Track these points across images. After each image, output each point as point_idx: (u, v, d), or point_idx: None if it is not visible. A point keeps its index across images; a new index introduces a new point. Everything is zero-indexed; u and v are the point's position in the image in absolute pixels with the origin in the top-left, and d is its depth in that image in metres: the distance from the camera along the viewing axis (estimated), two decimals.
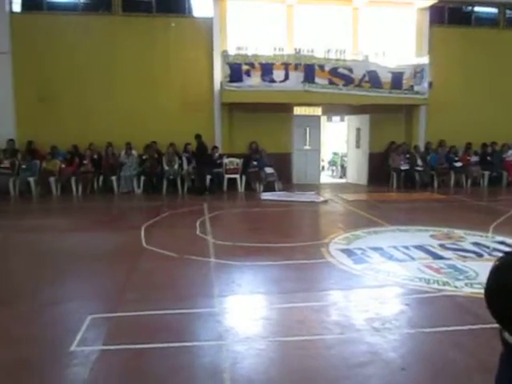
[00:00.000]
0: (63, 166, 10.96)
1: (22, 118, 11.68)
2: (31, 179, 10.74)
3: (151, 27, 11.93)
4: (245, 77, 11.64)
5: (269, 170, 11.40)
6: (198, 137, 10.99)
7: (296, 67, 11.65)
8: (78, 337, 3.29)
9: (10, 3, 11.59)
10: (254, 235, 6.71)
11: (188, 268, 5.07)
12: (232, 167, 11.60)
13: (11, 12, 11.61)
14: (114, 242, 6.44)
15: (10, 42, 11.51)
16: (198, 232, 6.78)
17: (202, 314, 3.80)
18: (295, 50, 11.83)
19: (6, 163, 10.89)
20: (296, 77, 11.67)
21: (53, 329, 3.53)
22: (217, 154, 11.58)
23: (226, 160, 11.61)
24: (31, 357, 3.09)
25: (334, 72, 11.72)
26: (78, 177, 10.82)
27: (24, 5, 11.83)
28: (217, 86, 12.03)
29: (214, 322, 3.61)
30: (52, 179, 10.77)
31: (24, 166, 10.90)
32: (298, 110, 12.82)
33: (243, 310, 3.99)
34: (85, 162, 11.01)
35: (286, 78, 11.68)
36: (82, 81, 11.72)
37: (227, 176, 11.42)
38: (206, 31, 12.04)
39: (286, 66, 11.65)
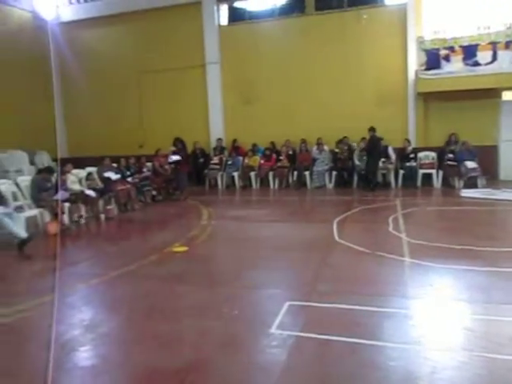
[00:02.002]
0: (262, 161, 11.93)
1: (228, 119, 13.14)
2: (235, 174, 12.02)
3: (343, 22, 11.97)
4: (443, 63, 10.75)
5: (471, 164, 10.26)
6: (371, 130, 10.58)
7: (507, 45, 10.21)
8: (277, 320, 3.56)
9: (219, 17, 13.09)
10: (453, 236, 6.16)
11: (380, 265, 4.97)
12: (427, 161, 10.86)
13: (219, 25, 13.11)
14: (307, 233, 6.73)
15: (219, 53, 13.03)
16: (390, 229, 6.58)
17: (394, 314, 3.68)
18: (506, 25, 10.36)
19: (216, 159, 12.42)
20: (507, 56, 10.23)
21: (254, 310, 3.90)
22: (410, 148, 10.99)
23: (420, 154, 10.92)
24: (237, 333, 3.48)
25: None
26: (274, 172, 11.63)
27: (230, 17, 13.23)
28: (411, 75, 11.39)
29: (409, 325, 3.46)
30: (252, 174, 11.84)
31: (229, 162, 12.25)
32: (507, 95, 11.18)
33: (442, 316, 3.71)
34: (281, 157, 11.76)
35: (494, 59, 10.36)
36: (280, 82, 12.54)
37: (421, 171, 10.73)
38: (399, 19, 11.50)
39: (493, 45, 10.33)
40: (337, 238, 6.21)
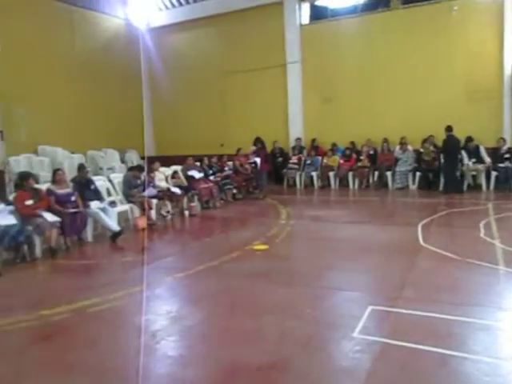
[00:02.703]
0: (342, 161, 11.73)
1: (308, 118, 13.08)
2: (314, 173, 11.94)
3: (432, 15, 11.38)
4: None
5: None
6: (448, 129, 9.86)
7: None
8: (360, 325, 3.48)
9: (300, 16, 13.06)
10: None
11: (471, 273, 4.66)
12: None
13: (300, 24, 13.07)
14: (389, 236, 6.50)
15: (300, 52, 13.00)
16: (482, 234, 6.15)
17: (488, 326, 3.43)
18: None
19: (294, 159, 12.42)
20: None
21: (336, 312, 3.85)
22: (505, 148, 10.19)
23: None
24: (318, 334, 3.45)
25: None
26: (354, 172, 11.38)
27: (311, 16, 13.14)
28: (507, 69, 10.56)
29: (505, 339, 3.22)
30: (331, 174, 11.68)
31: (308, 162, 12.19)
32: None
33: None
34: (361, 157, 11.48)
35: None
36: (361, 80, 12.24)
37: None
38: (495, 8, 10.70)
39: None
40: (422, 242, 5.93)
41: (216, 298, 4.34)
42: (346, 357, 3.07)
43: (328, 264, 5.33)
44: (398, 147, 11.38)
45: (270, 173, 12.14)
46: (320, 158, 12.18)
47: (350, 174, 11.42)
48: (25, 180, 6.20)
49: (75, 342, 3.52)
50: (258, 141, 10.59)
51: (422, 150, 10.94)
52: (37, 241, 5.99)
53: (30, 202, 6.07)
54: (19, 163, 10.74)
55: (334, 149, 12.15)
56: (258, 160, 10.24)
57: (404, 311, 3.76)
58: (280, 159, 12.76)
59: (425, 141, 10.97)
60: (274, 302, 4.12)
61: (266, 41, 13.28)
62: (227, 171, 10.41)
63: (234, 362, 3.09)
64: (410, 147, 11.15)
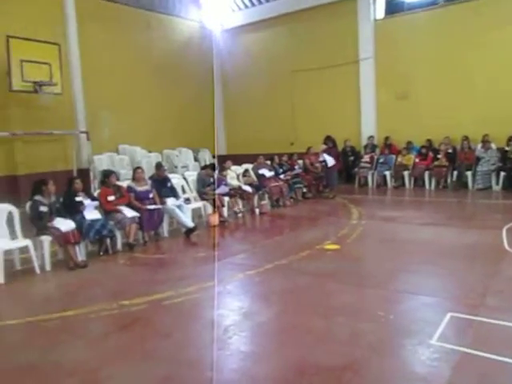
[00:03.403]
0: (417, 160, 11.24)
1: (381, 115, 12.69)
2: (387, 173, 11.56)
3: None
4: None
5: None
6: None
7: None
8: (438, 332, 3.32)
9: (374, 11, 12.68)
10: None
11: None
12: None
13: (375, 19, 12.69)
14: (469, 240, 6.11)
15: (373, 48, 12.64)
16: None
17: None
18: None
19: (367, 158, 12.10)
20: None
21: (411, 317, 3.69)
22: None
23: None
24: (393, 338, 3.34)
25: None
26: (431, 171, 10.86)
27: (387, 10, 12.71)
28: None
29: None
30: (406, 173, 11.24)
31: (381, 160, 11.82)
32: None
33: None
34: (439, 156, 10.92)
35: None
36: (438, 75, 11.66)
37: None
38: None
39: None
40: (507, 247, 5.52)
41: (286, 296, 4.35)
42: (423, 364, 2.94)
43: (402, 267, 5.13)
44: (479, 145, 10.68)
45: (341, 172, 11.92)
46: (394, 156, 11.77)
47: (427, 174, 10.91)
48: (108, 177, 6.62)
49: (151, 332, 3.69)
50: (328, 139, 10.43)
51: (507, 149, 10.18)
52: (118, 235, 6.36)
53: (112, 198, 6.47)
54: (102, 161, 11.49)
55: (408, 147, 11.69)
56: (328, 158, 10.09)
57: (486, 320, 3.53)
58: (351, 158, 12.50)
59: (511, 139, 10.20)
60: (345, 303, 4.05)
61: (337, 38, 13.06)
62: (297, 170, 10.38)
63: (305, 360, 3.07)
64: (493, 145, 10.42)
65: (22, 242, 5.55)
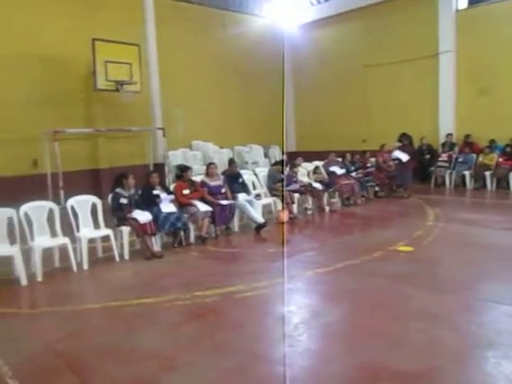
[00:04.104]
0: (500, 160, 10.50)
1: (460, 112, 11.99)
2: (466, 172, 10.91)
3: None
4: None
5: None
6: None
7: None
8: None
9: (457, 1, 11.98)
10: None
11: None
12: None
13: (457, 10, 11.99)
14: None
15: (455, 40, 11.95)
16: None
17: None
18: None
19: (444, 156, 11.50)
20: None
21: (493, 328, 3.45)
22: None
23: None
24: (474, 349, 3.15)
25: None
26: None
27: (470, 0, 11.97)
28: None
29: None
30: (487, 173, 10.53)
31: (460, 160, 11.18)
32: None
33: None
34: None
35: None
36: None
37: None
38: None
39: None
40: None
41: (357, 297, 4.25)
42: (508, 380, 2.73)
43: (483, 273, 4.82)
44: None
45: (416, 170, 11.42)
46: (474, 155, 11.06)
47: (511, 174, 10.15)
48: (184, 172, 6.85)
49: (223, 324, 3.78)
50: (403, 136, 10.02)
51: None
52: (191, 228, 6.58)
53: (186, 192, 6.70)
54: (176, 157, 11.94)
55: (491, 146, 10.93)
56: (402, 156, 9.70)
57: None
58: (427, 156, 11.93)
59: None
60: (422, 308, 3.88)
61: (414, 31, 12.50)
62: (370, 168, 10.09)
63: (377, 364, 2.99)
64: None
65: (104, 231, 5.92)
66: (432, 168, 11.55)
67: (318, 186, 8.56)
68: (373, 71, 13.48)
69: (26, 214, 5.44)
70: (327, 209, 8.62)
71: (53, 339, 3.61)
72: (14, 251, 5.07)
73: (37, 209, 5.61)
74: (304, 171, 8.95)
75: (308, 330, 3.57)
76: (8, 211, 5.29)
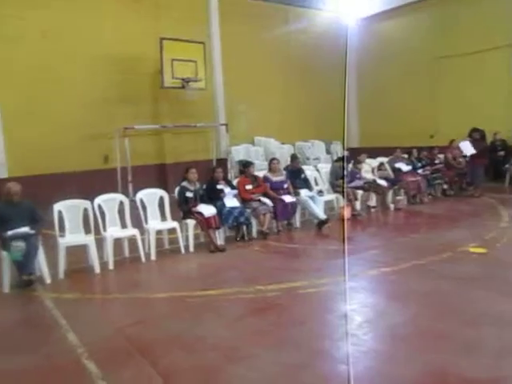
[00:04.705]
0: None
1: None
2: None
3: None
4: None
5: None
6: None
7: None
8: None
9: None
10: None
11: None
12: None
13: None
14: None
15: None
16: None
17: None
18: None
19: None
20: None
21: None
22: None
23: None
24: None
25: None
26: None
27: None
28: None
29: None
30: None
31: None
32: None
33: None
34: None
35: None
36: None
37: None
38: None
39: None
40: None
41: (424, 299, 4.09)
42: None
43: None
44: None
45: (488, 168, 10.76)
46: None
47: None
48: (247, 167, 6.94)
49: (286, 319, 3.79)
50: (474, 131, 9.46)
51: None
52: (254, 223, 6.65)
53: (249, 187, 6.78)
54: (239, 152, 12.11)
55: None
56: (467, 149, 9.13)
57: None
58: (501, 153, 11.19)
59: None
60: (496, 313, 3.66)
61: (487, 20, 11.74)
62: (438, 164, 9.65)
63: (445, 370, 2.86)
64: None
65: (171, 223, 6.13)
66: (506, 166, 10.83)
67: (382, 182, 8.33)
68: (441, 63, 12.86)
69: (99, 206, 5.77)
70: (392, 206, 8.37)
71: (124, 324, 3.81)
72: (89, 240, 5.40)
73: (109, 201, 5.93)
74: (368, 167, 8.73)
75: (372, 329, 3.50)
76: (84, 203, 5.63)
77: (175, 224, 6.07)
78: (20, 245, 4.69)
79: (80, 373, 3.05)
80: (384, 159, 9.40)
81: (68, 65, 10.12)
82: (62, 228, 5.50)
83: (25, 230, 4.84)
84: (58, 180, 9.59)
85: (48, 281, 5.01)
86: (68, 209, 5.56)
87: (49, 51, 9.91)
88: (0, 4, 9.33)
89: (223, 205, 6.31)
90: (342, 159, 8.35)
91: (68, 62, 10.12)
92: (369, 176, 8.48)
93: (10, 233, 4.75)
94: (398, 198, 8.53)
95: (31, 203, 5.15)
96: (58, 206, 5.49)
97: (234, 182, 6.95)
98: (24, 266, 4.74)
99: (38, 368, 3.15)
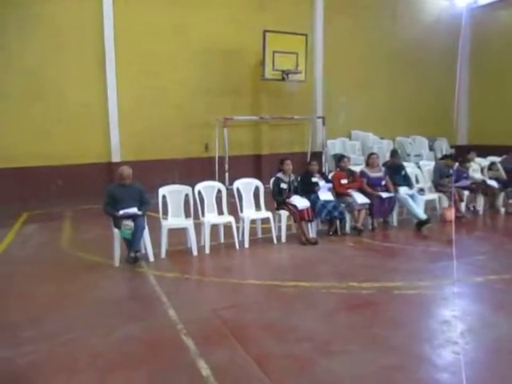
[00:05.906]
0: None
1: None
2: None
3: None
4: None
5: None
6: None
7: None
8: None
9: None
10: None
11: None
12: None
13: None
14: None
15: None
16: None
17: None
18: None
19: None
20: None
21: None
22: None
23: None
24: None
25: None
26: None
27: None
28: None
29: None
30: None
31: None
32: None
33: None
34: None
35: None
36: None
37: None
38: None
39: None
40: None
41: None
42: None
43: None
44: None
45: None
46: None
47: None
48: (343, 161, 6.78)
49: (381, 319, 3.65)
50: None
51: None
52: (347, 218, 6.50)
53: (344, 182, 6.63)
54: (335, 146, 11.92)
55: None
56: None
57: None
58: None
59: None
60: None
61: None
62: None
63: None
64: None
65: (265, 213, 6.22)
66: None
67: (493, 183, 7.63)
68: None
69: (199, 192, 6.03)
70: (502, 210, 7.65)
71: (219, 306, 3.96)
72: (189, 224, 5.68)
73: (208, 188, 6.17)
74: (477, 167, 8.06)
75: (476, 339, 3.24)
76: (186, 188, 5.92)
77: (269, 214, 6.15)
78: (129, 224, 5.07)
79: (179, 348, 3.22)
80: (496, 158, 8.60)
81: (179, 57, 10.67)
82: (165, 211, 5.84)
83: (134, 210, 5.22)
84: (162, 165, 10.25)
85: (151, 259, 5.37)
86: (171, 193, 5.89)
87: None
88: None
89: (317, 198, 6.24)
90: (448, 157, 7.80)
91: (181, 55, 10.68)
92: (477, 176, 7.82)
93: (121, 212, 5.16)
94: (511, 201, 7.76)
95: (141, 185, 5.53)
96: (162, 191, 5.85)
97: (330, 176, 6.84)
98: (132, 243, 5.12)
99: (141, 339, 3.39)
